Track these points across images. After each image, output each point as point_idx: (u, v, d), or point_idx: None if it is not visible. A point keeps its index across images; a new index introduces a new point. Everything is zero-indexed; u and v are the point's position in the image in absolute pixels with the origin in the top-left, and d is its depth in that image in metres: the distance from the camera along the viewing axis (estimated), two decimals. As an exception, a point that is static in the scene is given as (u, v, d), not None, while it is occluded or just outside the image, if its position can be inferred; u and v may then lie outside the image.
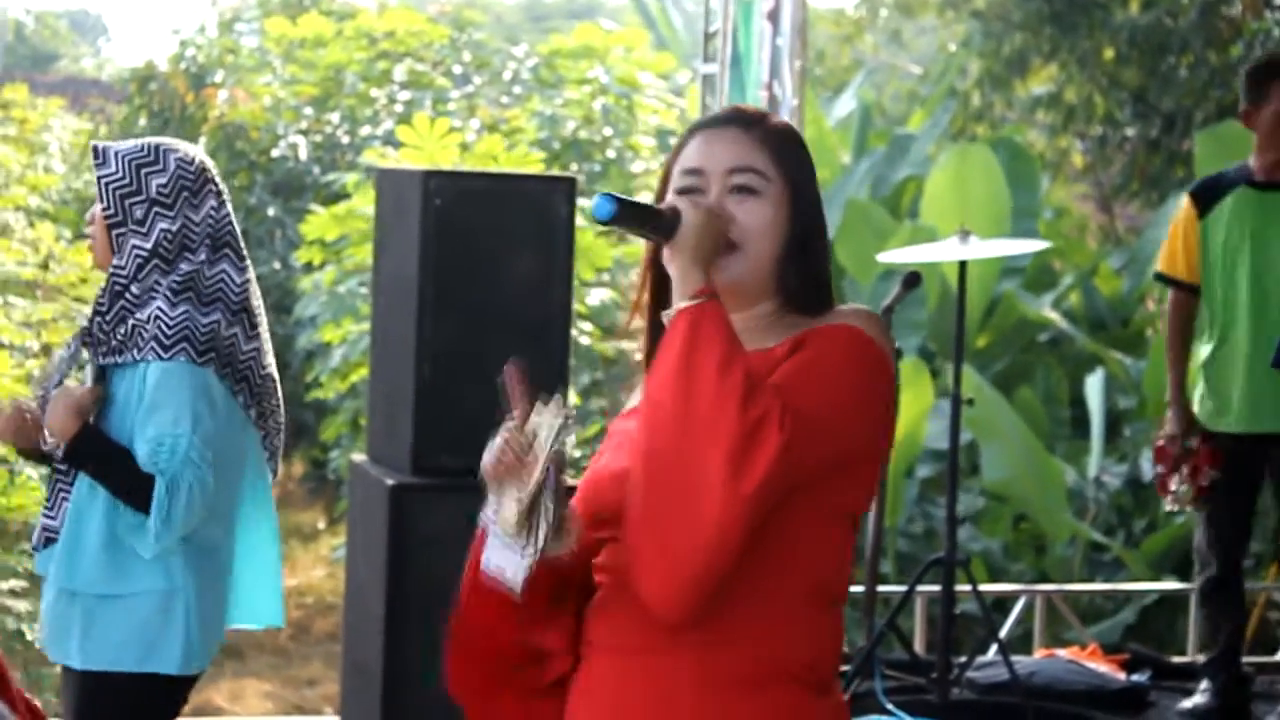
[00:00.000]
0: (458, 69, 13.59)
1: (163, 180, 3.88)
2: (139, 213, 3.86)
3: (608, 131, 12.29)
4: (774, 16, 5.55)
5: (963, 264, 5.70)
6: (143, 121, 14.00)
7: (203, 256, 3.88)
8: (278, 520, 4.13)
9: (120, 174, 3.87)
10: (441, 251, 5.07)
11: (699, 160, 2.51)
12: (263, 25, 14.86)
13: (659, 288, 2.52)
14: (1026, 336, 12.26)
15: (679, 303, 2.39)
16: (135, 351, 3.78)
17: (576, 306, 9.04)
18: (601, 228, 9.52)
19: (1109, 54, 14.66)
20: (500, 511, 2.38)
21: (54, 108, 14.74)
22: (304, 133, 13.22)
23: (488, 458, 2.38)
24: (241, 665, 11.79)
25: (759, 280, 2.51)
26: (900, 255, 6.25)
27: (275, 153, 13.18)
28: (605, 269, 10.01)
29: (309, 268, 9.90)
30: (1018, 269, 12.23)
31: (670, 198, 2.51)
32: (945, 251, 5.95)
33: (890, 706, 5.57)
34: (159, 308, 3.79)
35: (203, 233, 3.90)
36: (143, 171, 3.88)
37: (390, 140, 11.15)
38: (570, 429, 2.38)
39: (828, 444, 2.38)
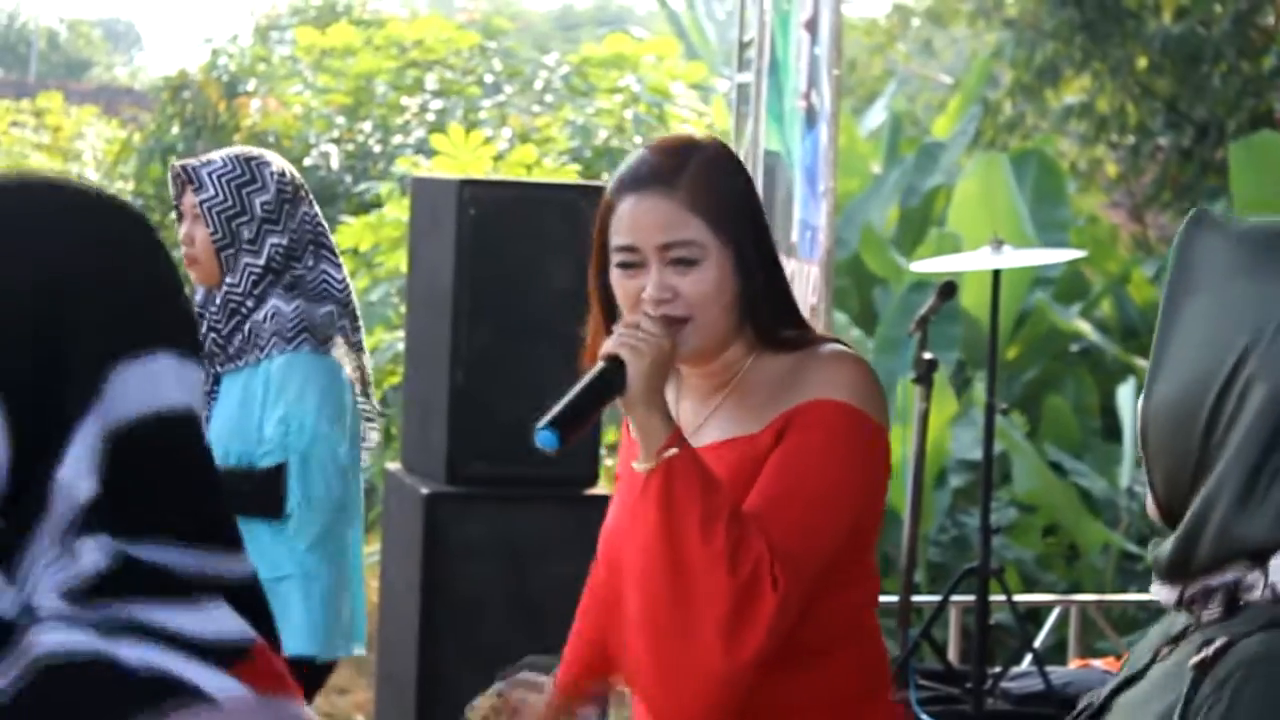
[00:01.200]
0: (489, 78, 13.59)
1: (266, 198, 3.89)
2: (247, 233, 3.88)
3: (639, 140, 12.27)
4: (812, 25, 5.52)
5: (996, 273, 5.67)
6: (175, 129, 14.01)
7: (310, 262, 3.93)
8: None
9: (222, 197, 3.87)
10: (476, 259, 5.07)
11: (630, 235, 2.48)
12: (294, 34, 14.89)
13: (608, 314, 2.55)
14: (1058, 346, 12.20)
15: (647, 458, 2.38)
16: (257, 351, 3.82)
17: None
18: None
19: (1142, 63, 14.61)
20: None
21: (87, 115, 14.81)
22: (336, 141, 13.23)
23: None
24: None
25: (719, 337, 2.49)
26: (935, 265, 6.23)
27: (307, 162, 13.18)
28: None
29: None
30: (1048, 280, 12.17)
31: (612, 273, 2.51)
32: (979, 261, 5.93)
33: (925, 717, 5.55)
34: (275, 305, 3.83)
35: (304, 239, 3.93)
36: (244, 191, 3.88)
37: (422, 149, 11.15)
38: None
39: (829, 544, 2.38)
